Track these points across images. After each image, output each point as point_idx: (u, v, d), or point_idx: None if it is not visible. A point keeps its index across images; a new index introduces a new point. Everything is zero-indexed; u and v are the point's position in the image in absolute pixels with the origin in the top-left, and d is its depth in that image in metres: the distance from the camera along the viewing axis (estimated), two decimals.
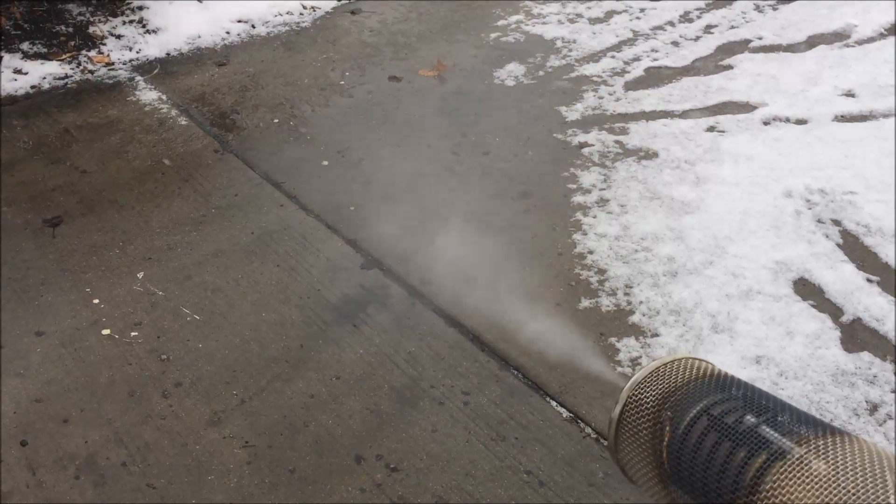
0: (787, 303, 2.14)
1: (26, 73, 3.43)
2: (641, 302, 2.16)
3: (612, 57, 3.63)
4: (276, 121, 3.16)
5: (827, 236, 2.40)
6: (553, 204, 2.60)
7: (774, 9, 4.08)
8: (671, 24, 3.95)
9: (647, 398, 1.14)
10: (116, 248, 2.42)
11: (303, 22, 4.09)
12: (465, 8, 4.23)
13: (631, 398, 1.17)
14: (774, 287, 2.20)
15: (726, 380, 1.13)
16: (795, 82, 3.32)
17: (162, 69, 3.57)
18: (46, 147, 2.95)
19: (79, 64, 3.55)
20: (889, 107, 3.10)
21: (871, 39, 3.69)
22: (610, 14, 4.09)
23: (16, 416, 1.84)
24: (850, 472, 0.90)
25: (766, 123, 3.05)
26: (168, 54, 3.71)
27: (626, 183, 2.69)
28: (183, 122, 3.13)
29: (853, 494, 0.87)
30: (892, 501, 0.85)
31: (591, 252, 2.36)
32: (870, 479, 0.88)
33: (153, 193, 2.68)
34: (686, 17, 4.03)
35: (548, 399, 1.88)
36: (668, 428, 1.09)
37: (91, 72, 3.51)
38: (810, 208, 2.53)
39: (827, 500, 0.88)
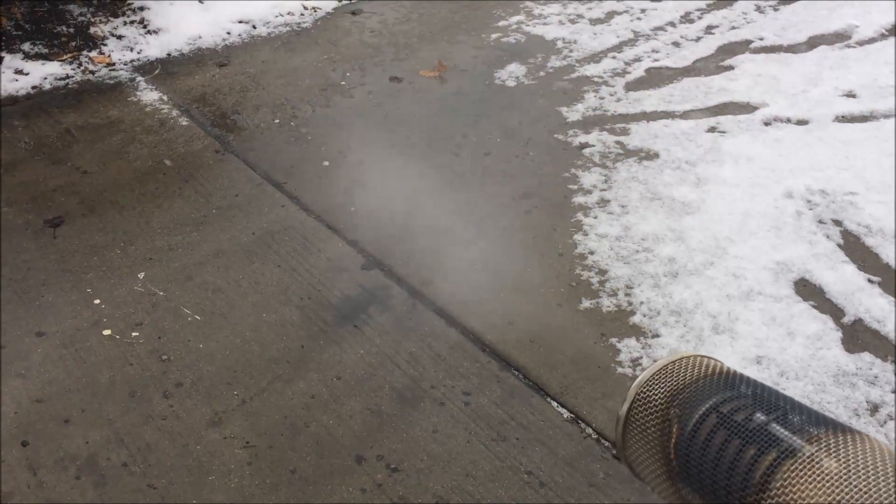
0: (787, 303, 2.14)
1: (27, 74, 3.43)
2: (642, 302, 2.16)
3: (613, 57, 3.63)
4: (276, 121, 3.16)
5: (828, 237, 2.40)
6: (554, 204, 2.60)
7: (775, 9, 4.08)
8: (672, 24, 3.95)
9: (656, 396, 1.14)
10: (117, 248, 2.42)
11: (304, 22, 4.09)
12: (465, 9, 4.23)
13: (639, 396, 1.16)
14: (775, 288, 2.20)
15: (735, 377, 1.12)
16: (796, 83, 3.32)
17: (163, 70, 3.57)
18: (47, 147, 2.95)
19: (80, 64, 3.55)
20: (890, 107, 3.10)
21: (871, 40, 3.69)
22: (611, 15, 4.09)
23: (17, 417, 1.84)
24: (862, 471, 0.89)
25: (766, 124, 3.05)
26: (169, 55, 3.71)
27: (626, 183, 2.69)
28: (184, 123, 3.13)
29: (864, 493, 0.87)
30: None
31: (591, 252, 2.36)
32: (882, 478, 0.87)
33: (154, 194, 2.69)
34: (687, 18, 4.03)
35: (549, 400, 1.88)
36: (676, 426, 1.08)
37: (92, 72, 3.52)
38: (811, 209, 2.53)
39: (838, 498, 0.87)
